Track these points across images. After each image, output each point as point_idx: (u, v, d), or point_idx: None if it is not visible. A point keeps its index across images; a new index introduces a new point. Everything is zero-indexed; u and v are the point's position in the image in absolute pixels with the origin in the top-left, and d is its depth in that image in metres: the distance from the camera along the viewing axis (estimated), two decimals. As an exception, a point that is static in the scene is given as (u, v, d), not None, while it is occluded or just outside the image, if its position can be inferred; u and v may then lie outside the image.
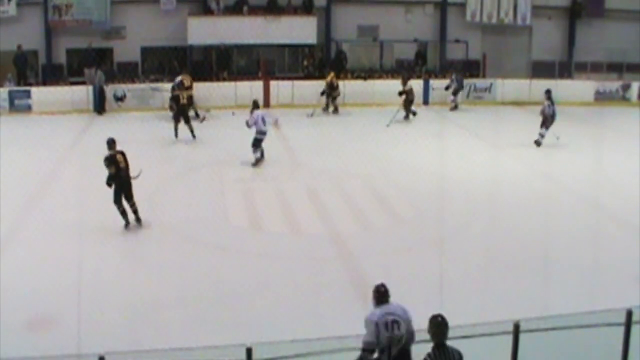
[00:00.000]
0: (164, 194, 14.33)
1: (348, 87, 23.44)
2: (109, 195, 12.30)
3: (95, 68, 23.43)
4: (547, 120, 17.78)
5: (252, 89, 22.77)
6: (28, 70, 24.28)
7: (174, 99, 18.74)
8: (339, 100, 22.54)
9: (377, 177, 15.39)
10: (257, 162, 15.89)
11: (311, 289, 10.02)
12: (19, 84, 23.35)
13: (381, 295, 6.65)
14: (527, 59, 27.17)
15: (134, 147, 17.34)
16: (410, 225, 12.55)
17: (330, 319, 8.83)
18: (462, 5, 26.81)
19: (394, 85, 22.22)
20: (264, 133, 15.85)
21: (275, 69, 25.21)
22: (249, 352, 5.76)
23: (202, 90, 22.55)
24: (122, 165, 12.11)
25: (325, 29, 25.59)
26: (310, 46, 25.10)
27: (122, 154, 12.23)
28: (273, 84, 23.13)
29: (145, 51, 25.27)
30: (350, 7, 25.52)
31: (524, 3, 26.91)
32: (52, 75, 24.12)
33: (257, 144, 15.76)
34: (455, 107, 23.29)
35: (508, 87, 24.93)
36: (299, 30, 24.67)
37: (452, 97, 23.30)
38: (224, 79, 24.14)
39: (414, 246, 11.45)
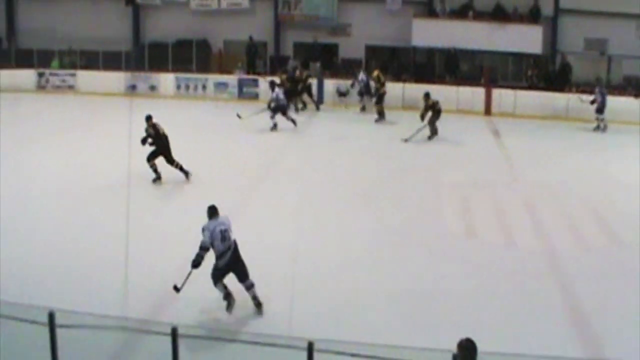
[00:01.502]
0: (378, 192, 15.50)
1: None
2: (333, 185, 14.88)
3: (315, 63, 25.63)
4: None
5: (473, 95, 23.92)
6: (257, 60, 27.06)
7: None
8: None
9: (596, 194, 15.52)
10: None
11: (518, 304, 10.24)
12: (248, 73, 26.20)
13: (212, 210, 9.73)
14: None
15: (352, 142, 19.14)
16: (631, 249, 12.37)
17: (534, 337, 9.05)
18: None
19: (624, 102, 22.36)
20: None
21: (498, 76, 25.94)
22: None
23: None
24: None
25: (551, 40, 26.03)
26: (535, 56, 25.51)
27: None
28: (495, 92, 23.91)
29: (369, 49, 27.12)
30: (578, 18, 25.68)
31: None
32: (280, 67, 26.52)
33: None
34: (598, 128, 21.88)
35: None
36: (524, 39, 25.12)
37: (596, 116, 21.75)
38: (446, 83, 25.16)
39: (633, 271, 11.24)
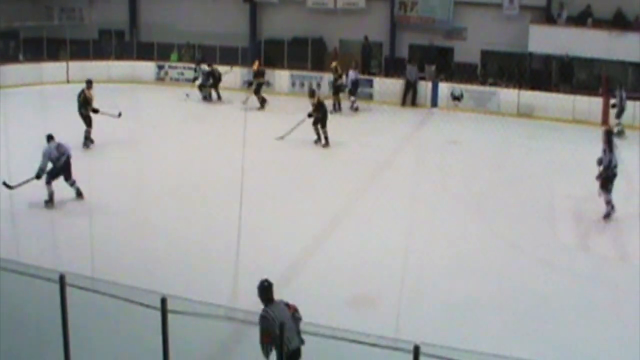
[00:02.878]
0: (491, 198, 16.45)
1: None
2: (445, 189, 16.01)
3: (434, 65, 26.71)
4: None
5: (590, 104, 24.49)
6: (372, 60, 28.88)
7: None
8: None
9: None
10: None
11: (630, 322, 10.38)
12: (362, 73, 27.95)
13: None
14: None
15: (466, 147, 20.42)
16: None
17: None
18: None
19: None
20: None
21: (616, 86, 26.02)
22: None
23: (540, 100, 25.17)
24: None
25: (675, 49, 25.89)
26: (657, 66, 25.44)
27: None
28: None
29: (485, 54, 28.34)
30: None
31: None
32: (394, 68, 28.59)
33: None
34: (620, 132, 21.33)
35: None
36: (646, 48, 25.05)
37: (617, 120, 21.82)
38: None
39: None
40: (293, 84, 28.86)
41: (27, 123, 21.52)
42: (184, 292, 8.39)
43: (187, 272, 12.20)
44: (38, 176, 15.19)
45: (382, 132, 22.58)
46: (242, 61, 29.47)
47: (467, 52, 28.28)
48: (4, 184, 14.64)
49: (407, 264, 11.87)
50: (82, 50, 31.05)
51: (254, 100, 25.21)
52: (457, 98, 26.31)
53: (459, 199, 15.89)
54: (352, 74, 25.76)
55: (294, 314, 7.96)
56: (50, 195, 15.52)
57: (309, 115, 20.73)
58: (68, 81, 28.87)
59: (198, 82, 27.23)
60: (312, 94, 21.38)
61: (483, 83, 26.84)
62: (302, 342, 7.82)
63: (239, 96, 26.57)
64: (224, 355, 9.78)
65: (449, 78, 27.24)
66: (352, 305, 11.06)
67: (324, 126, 20.63)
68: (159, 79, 30.89)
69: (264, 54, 29.10)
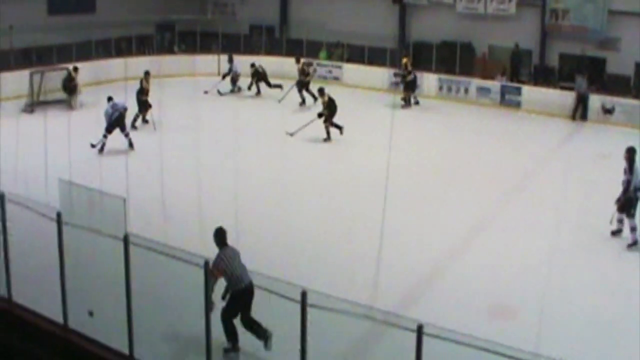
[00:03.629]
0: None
1: None
2: (585, 205, 15.84)
3: (583, 75, 26.62)
4: None
5: None
6: (521, 68, 28.95)
7: None
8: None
9: None
10: None
11: None
12: (511, 80, 28.06)
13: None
14: None
15: (615, 162, 19.43)
16: None
17: None
18: None
19: None
20: None
21: None
22: None
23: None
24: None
25: None
26: None
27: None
28: None
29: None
30: None
31: None
32: (543, 77, 28.74)
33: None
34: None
35: None
36: None
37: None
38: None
39: None
40: (440, 88, 29.26)
41: (180, 111, 22.34)
42: (324, 287, 8.46)
43: (328, 269, 12.78)
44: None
45: (529, 142, 22.81)
46: (390, 62, 29.84)
47: (620, 63, 27.66)
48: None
49: (549, 277, 11.90)
50: (233, 44, 32.43)
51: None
52: (608, 111, 25.95)
53: (605, 215, 15.18)
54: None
55: None
56: (102, 146, 19.64)
57: (319, 115, 21.99)
58: (219, 73, 29.82)
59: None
60: (321, 92, 22.71)
61: (637, 97, 26.16)
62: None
63: (385, 97, 26.57)
64: (361, 354, 10.05)
65: (601, 90, 26.84)
66: (491, 315, 11.28)
67: (326, 121, 21.90)
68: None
69: (412, 56, 29.20)
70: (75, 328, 9.70)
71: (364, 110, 26.47)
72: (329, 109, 21.89)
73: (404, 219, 14.96)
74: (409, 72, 27.06)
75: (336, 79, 31.06)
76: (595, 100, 26.10)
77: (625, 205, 14.46)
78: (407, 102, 27.05)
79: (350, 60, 31.29)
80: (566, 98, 26.34)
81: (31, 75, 25.25)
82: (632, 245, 14.16)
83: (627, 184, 14.35)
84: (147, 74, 22.98)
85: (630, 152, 14.80)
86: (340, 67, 31.33)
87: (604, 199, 16.59)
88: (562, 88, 27.25)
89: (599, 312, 11.46)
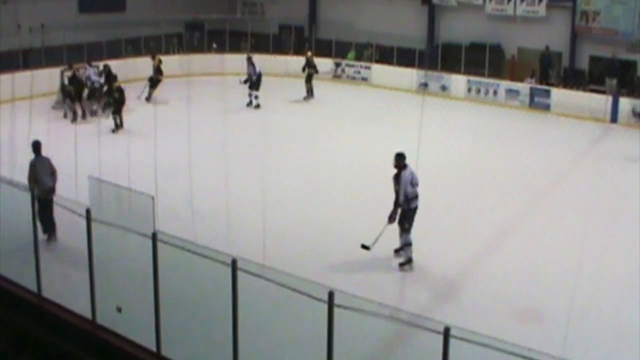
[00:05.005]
0: None
1: None
2: (615, 209, 15.81)
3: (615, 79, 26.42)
4: None
5: None
6: (551, 70, 28.75)
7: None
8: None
9: None
10: None
11: None
12: (540, 83, 27.90)
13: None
14: None
15: None
16: None
17: None
18: None
19: None
20: None
21: None
22: None
23: None
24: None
25: None
26: None
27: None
28: None
29: (671, 72, 27.73)
30: None
31: None
32: (573, 80, 28.59)
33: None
34: None
35: None
36: None
37: None
38: None
39: None
40: (469, 90, 29.23)
41: (208, 108, 22.49)
42: (350, 288, 8.47)
43: (354, 269, 12.83)
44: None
45: (558, 145, 22.72)
46: (419, 64, 29.89)
47: (652, 67, 27.66)
48: (363, 246, 13.46)
49: (578, 282, 11.78)
50: (262, 43, 32.53)
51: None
52: (638, 114, 25.64)
53: (635, 218, 15.42)
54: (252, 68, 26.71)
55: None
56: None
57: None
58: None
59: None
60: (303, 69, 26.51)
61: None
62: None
63: (413, 98, 26.62)
64: (387, 355, 10.04)
65: (631, 93, 26.75)
66: (518, 319, 11.23)
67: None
68: (336, 76, 31.59)
69: (441, 58, 29.02)
70: (103, 324, 9.82)
71: (391, 110, 26.47)
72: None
73: (431, 221, 14.73)
74: (311, 65, 27.34)
75: (364, 79, 31.14)
76: (626, 104, 25.94)
77: None
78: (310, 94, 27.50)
79: (379, 61, 31.30)
80: (596, 101, 26.16)
81: (62, 72, 25.52)
82: None
83: None
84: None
85: None
86: (368, 68, 31.35)
87: (633, 202, 16.69)
88: (592, 91, 27.09)
89: (628, 318, 11.33)
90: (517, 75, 28.93)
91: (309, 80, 27.78)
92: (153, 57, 27.21)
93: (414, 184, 12.99)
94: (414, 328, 8.15)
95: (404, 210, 12.99)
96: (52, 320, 10.24)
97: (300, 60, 30.26)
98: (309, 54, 28.50)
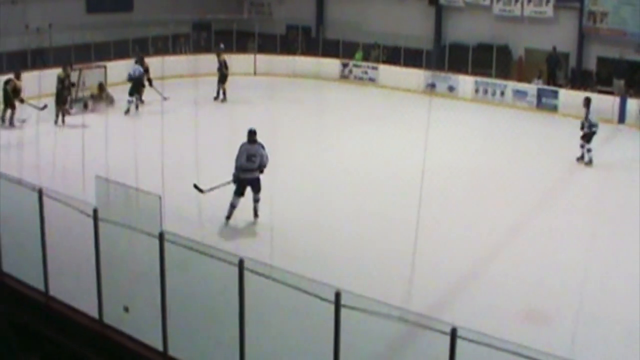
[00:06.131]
0: None
1: None
2: (623, 210, 15.79)
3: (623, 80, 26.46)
4: None
5: None
6: (558, 71, 28.79)
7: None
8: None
9: None
10: None
11: None
12: (548, 84, 27.84)
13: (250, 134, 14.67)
14: None
15: None
16: None
17: None
18: None
19: None
20: None
21: None
22: None
23: None
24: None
25: None
26: None
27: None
28: None
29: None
30: None
31: None
32: (581, 80, 28.52)
33: None
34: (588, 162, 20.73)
35: None
36: None
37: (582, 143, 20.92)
38: None
39: None
40: (476, 91, 29.19)
41: (215, 110, 22.56)
42: (357, 288, 8.46)
43: (361, 269, 12.78)
44: None
45: (565, 146, 22.37)
46: (427, 64, 29.90)
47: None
48: (195, 186, 15.10)
49: (586, 284, 11.82)
50: (269, 44, 32.55)
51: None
52: (647, 116, 25.50)
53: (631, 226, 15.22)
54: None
55: None
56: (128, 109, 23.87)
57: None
58: (255, 73, 30.03)
59: None
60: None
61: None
62: None
63: (420, 98, 26.58)
64: (392, 356, 10.00)
65: (639, 94, 26.62)
66: (525, 320, 11.20)
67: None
68: (343, 77, 31.82)
69: (448, 58, 28.99)
70: (110, 323, 9.82)
71: (399, 111, 26.48)
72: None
73: (438, 222, 14.93)
74: (226, 67, 26.81)
75: (372, 80, 31.13)
76: (634, 105, 25.87)
77: None
78: (220, 95, 26.89)
79: (386, 61, 31.28)
80: (603, 102, 25.87)
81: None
82: None
83: None
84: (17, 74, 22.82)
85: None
86: (376, 69, 31.33)
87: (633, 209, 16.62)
88: (600, 92, 26.93)
89: (637, 321, 11.21)
90: (524, 76, 28.92)
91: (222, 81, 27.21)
92: (218, 55, 27.21)
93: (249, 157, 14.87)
94: (420, 329, 8.14)
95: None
96: (59, 319, 10.26)
97: (308, 61, 30.40)
98: (223, 56, 27.76)
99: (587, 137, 20.48)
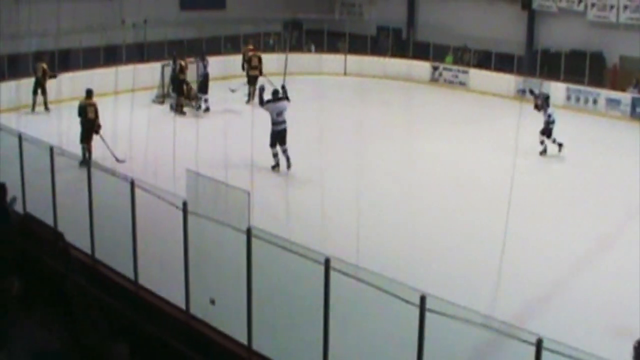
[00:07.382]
0: None
1: None
2: None
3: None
4: None
5: None
6: None
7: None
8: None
9: None
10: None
11: None
12: (640, 94, 26.36)
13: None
14: None
15: None
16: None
17: None
18: None
19: None
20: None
21: None
22: None
23: None
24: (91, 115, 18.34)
25: None
26: None
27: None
28: None
29: None
30: None
31: None
32: None
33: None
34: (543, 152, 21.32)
35: None
36: None
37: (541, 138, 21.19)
38: None
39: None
40: (568, 98, 28.54)
41: (306, 108, 22.80)
42: (441, 293, 8.43)
43: (447, 275, 12.78)
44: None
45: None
46: (518, 69, 29.44)
47: None
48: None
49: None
50: (359, 44, 32.56)
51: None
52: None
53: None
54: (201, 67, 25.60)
55: None
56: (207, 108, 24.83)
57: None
58: (345, 73, 30.14)
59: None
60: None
61: None
62: None
63: (511, 104, 26.25)
64: (477, 362, 9.80)
65: None
66: (612, 335, 10.88)
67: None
68: (433, 80, 31.65)
69: (540, 64, 28.49)
70: (196, 314, 10.01)
71: (488, 116, 26.24)
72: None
73: (526, 230, 14.74)
74: (183, 72, 25.27)
75: (462, 84, 30.89)
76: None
77: None
78: (177, 107, 24.81)
79: (477, 65, 30.95)
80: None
81: (162, 67, 26.22)
82: None
83: None
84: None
85: None
86: (466, 72, 31.09)
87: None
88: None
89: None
90: (618, 84, 28.18)
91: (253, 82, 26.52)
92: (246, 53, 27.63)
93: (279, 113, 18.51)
94: (505, 337, 7.93)
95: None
96: (147, 307, 10.50)
97: (398, 63, 30.31)
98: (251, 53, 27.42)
99: None
